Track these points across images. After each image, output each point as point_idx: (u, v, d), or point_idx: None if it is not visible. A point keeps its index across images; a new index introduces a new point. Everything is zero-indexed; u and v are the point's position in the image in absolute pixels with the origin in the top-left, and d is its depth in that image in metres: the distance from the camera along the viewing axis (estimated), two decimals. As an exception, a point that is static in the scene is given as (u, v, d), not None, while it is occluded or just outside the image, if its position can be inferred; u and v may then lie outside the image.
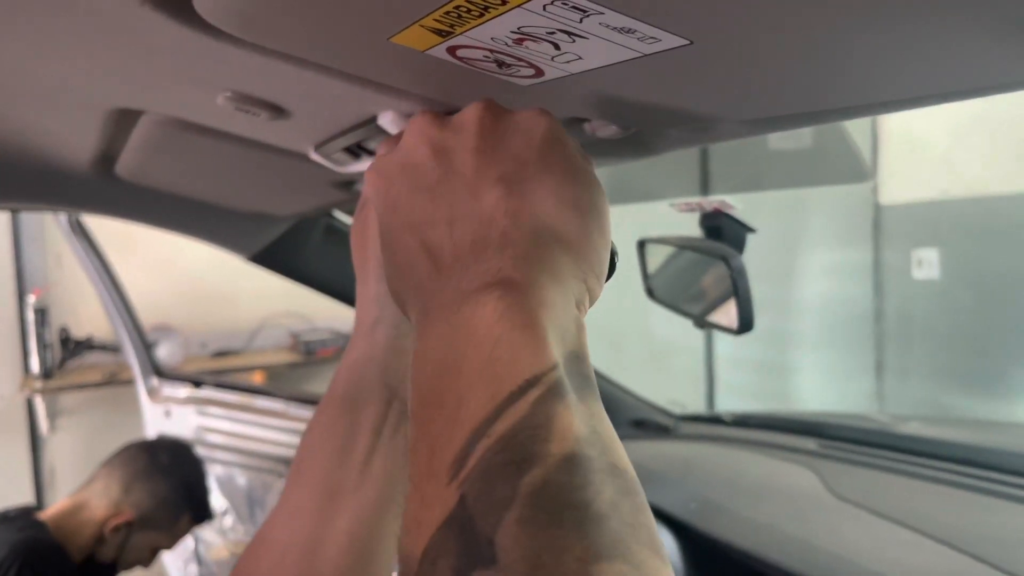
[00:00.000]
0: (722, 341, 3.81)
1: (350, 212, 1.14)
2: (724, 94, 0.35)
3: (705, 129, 0.42)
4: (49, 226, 2.65)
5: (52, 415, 2.65)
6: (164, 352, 2.10)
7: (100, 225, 1.82)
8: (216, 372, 2.56)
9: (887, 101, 0.34)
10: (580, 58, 0.31)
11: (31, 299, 2.56)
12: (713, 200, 0.63)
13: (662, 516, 0.97)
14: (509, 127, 0.34)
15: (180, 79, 0.52)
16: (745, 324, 0.62)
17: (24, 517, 1.37)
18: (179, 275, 2.77)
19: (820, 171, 3.25)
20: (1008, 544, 0.81)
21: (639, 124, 0.43)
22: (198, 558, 2.01)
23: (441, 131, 0.36)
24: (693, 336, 3.79)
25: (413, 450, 0.29)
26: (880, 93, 0.33)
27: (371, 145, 0.57)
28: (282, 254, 1.14)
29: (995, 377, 3.20)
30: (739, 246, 0.66)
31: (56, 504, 1.44)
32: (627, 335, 3.64)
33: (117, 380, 2.48)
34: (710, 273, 0.70)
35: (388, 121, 0.50)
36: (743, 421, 1.42)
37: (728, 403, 3.81)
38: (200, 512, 1.57)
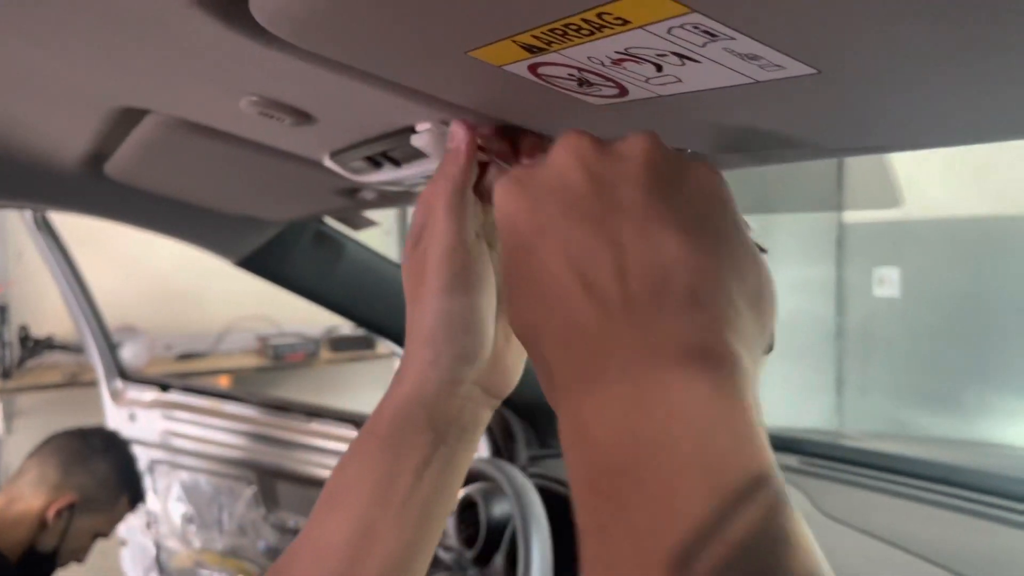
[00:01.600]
0: (688, 354, 3.83)
1: (341, 219, 1.13)
2: (824, 122, 0.35)
3: (767, 155, 0.42)
4: (9, 222, 2.57)
5: (9, 416, 2.57)
6: (128, 353, 2.04)
7: (65, 222, 1.77)
8: (181, 375, 2.50)
9: (986, 135, 0.35)
10: (679, 80, 0.30)
11: (-9, 296, 2.49)
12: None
13: (655, 533, 0.97)
14: (681, 170, 0.31)
15: (206, 81, 0.51)
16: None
17: None
18: (145, 275, 2.71)
19: (851, 196, 3.29)
20: (999, 565, 0.83)
21: (700, 146, 0.42)
22: (160, 566, 1.96)
23: (601, 158, 0.31)
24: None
25: (598, 521, 0.27)
26: (990, 129, 0.33)
27: (396, 155, 0.56)
28: (269, 259, 1.12)
29: (952, 395, 3.29)
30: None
31: None
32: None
33: (78, 381, 2.42)
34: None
35: (427, 131, 0.49)
36: (720, 436, 1.43)
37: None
38: (136, 495, 1.58)
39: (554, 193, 0.32)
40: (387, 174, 0.62)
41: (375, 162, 0.60)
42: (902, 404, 3.54)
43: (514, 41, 0.30)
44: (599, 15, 0.26)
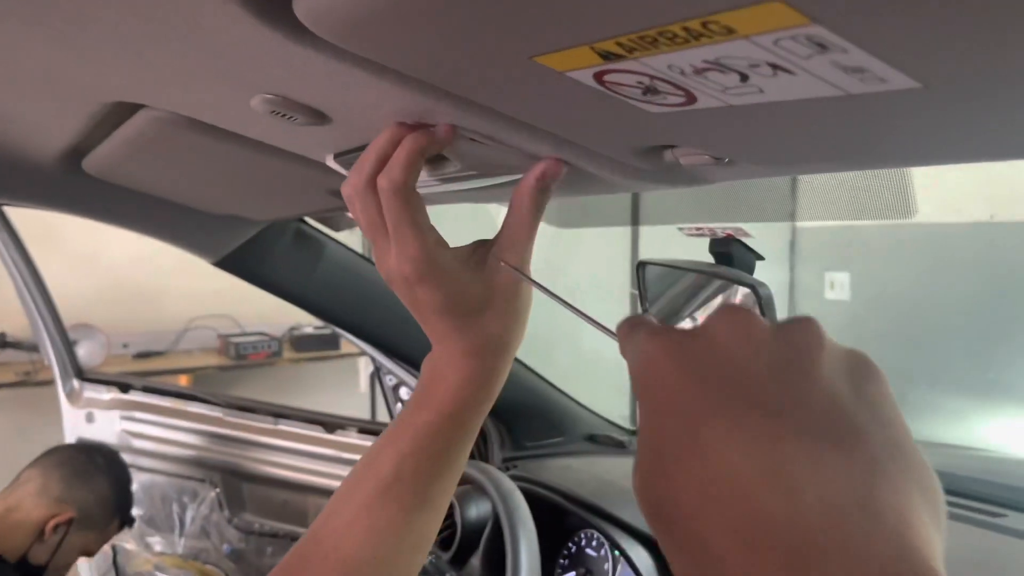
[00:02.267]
0: (646, 354, 3.87)
1: (322, 220, 1.11)
2: (904, 136, 0.35)
3: (819, 166, 0.42)
4: (-41, 214, 2.47)
5: (-41, 415, 2.48)
6: (84, 352, 1.98)
7: (20, 216, 1.71)
8: (139, 374, 2.44)
9: None
10: (760, 92, 0.30)
11: (-62, 291, 2.39)
12: (727, 226, 0.64)
13: (640, 536, 0.98)
14: (866, 368, 0.29)
15: (220, 77, 0.50)
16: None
17: None
18: (102, 272, 2.64)
19: (865, 205, 3.33)
20: (973, 565, 0.85)
21: (751, 156, 0.43)
22: (116, 569, 1.91)
23: (776, 343, 0.29)
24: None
25: None
26: None
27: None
28: (249, 259, 1.10)
29: (899, 396, 3.38)
30: (749, 273, 0.67)
31: None
32: (558, 346, 3.67)
33: (33, 380, 2.34)
34: (721, 300, 0.71)
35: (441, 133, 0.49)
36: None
37: (650, 415, 3.89)
38: (127, 517, 1.56)
39: (726, 373, 0.28)
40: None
41: (384, 163, 0.60)
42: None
43: (592, 48, 0.29)
44: (704, 24, 0.25)
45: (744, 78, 0.29)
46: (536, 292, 0.52)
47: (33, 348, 2.31)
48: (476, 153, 0.51)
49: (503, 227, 0.50)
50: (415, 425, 0.51)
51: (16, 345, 2.45)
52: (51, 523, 1.37)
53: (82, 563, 1.95)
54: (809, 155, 0.42)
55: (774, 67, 0.27)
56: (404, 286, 0.48)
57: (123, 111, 0.68)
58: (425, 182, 0.61)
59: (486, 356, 0.50)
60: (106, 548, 1.88)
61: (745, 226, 0.66)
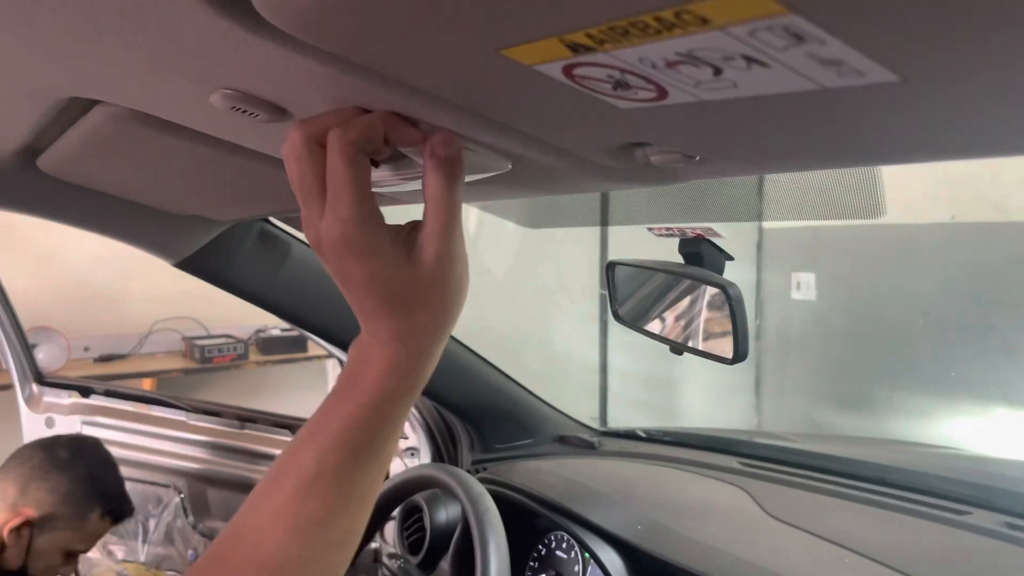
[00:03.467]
0: (616, 354, 3.90)
1: (288, 219, 1.10)
2: (881, 131, 0.35)
3: (791, 163, 0.42)
4: (-90, 214, 2.40)
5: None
6: (44, 356, 1.94)
7: (-24, 215, 1.67)
8: (101, 378, 2.39)
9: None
10: (734, 86, 0.29)
11: None
12: (696, 226, 0.63)
13: (610, 538, 0.97)
14: None
15: (178, 71, 0.48)
16: (741, 354, 0.63)
17: None
18: (60, 273, 2.58)
19: (833, 206, 3.35)
20: (939, 563, 0.86)
21: (723, 151, 0.42)
22: (78, 578, 1.87)
23: None
24: (588, 348, 3.87)
25: None
26: None
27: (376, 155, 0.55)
28: (211, 260, 1.08)
29: (861, 396, 3.43)
30: (719, 273, 0.67)
31: None
32: (527, 347, 3.67)
33: (-11, 385, 2.28)
34: (690, 300, 0.71)
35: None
36: (658, 438, 1.46)
37: (620, 415, 3.91)
38: (114, 507, 1.46)
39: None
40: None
41: (352, 162, 0.58)
42: (817, 404, 3.68)
43: (561, 40, 0.28)
44: (677, 14, 0.24)
45: (718, 72, 0.28)
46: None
47: (-10, 352, 2.25)
48: None
49: (425, 213, 0.48)
50: (337, 417, 0.48)
51: (-29, 349, 2.39)
52: (6, 529, 1.31)
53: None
54: (782, 153, 0.41)
55: (748, 60, 0.26)
56: (333, 254, 0.46)
57: (78, 107, 0.66)
58: (388, 181, 0.60)
59: (413, 342, 0.48)
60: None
61: (715, 226, 0.66)
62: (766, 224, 3.72)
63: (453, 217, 0.47)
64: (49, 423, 1.79)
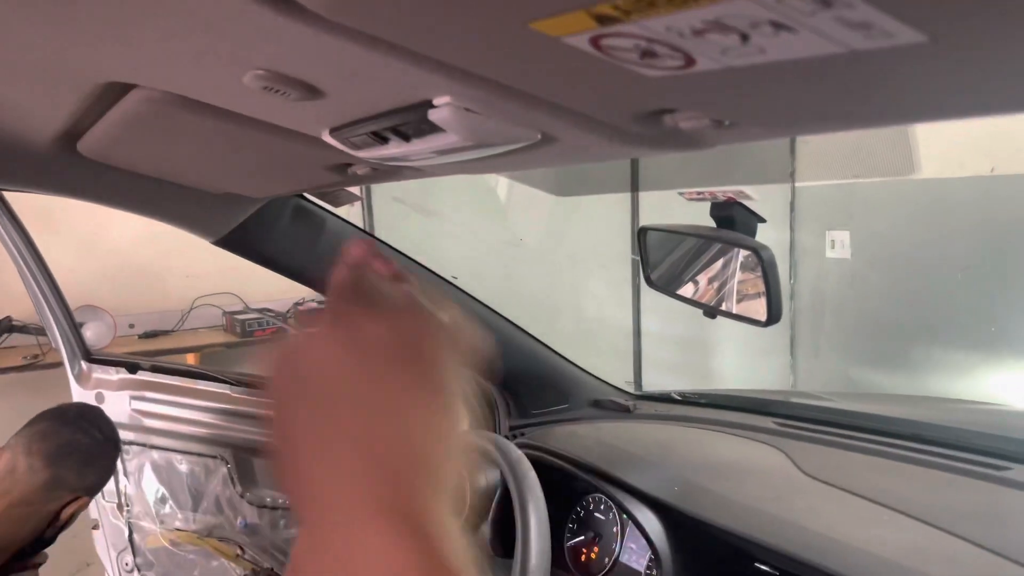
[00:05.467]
0: (649, 318, 3.89)
1: (322, 195, 1.11)
2: (910, 91, 0.35)
3: (818, 125, 0.42)
4: (-43, 200, 2.47)
5: (-33, 401, 2.49)
6: (91, 334, 1.99)
7: (19, 200, 1.71)
8: (147, 354, 2.45)
9: None
10: (762, 51, 0.30)
11: (-58, 278, 2.39)
12: (728, 189, 0.63)
13: (647, 499, 0.99)
14: None
15: (212, 54, 0.50)
16: (775, 316, 0.64)
17: None
18: (105, 253, 2.64)
19: (867, 164, 3.29)
20: (979, 519, 0.86)
21: (744, 119, 0.42)
22: (133, 547, 1.93)
23: None
24: (621, 313, 3.87)
25: None
26: None
27: (407, 129, 0.55)
28: (249, 237, 1.10)
29: (899, 353, 3.39)
30: (751, 236, 0.67)
31: None
32: (561, 313, 3.68)
33: (40, 363, 2.35)
34: (723, 263, 0.71)
35: (446, 105, 0.48)
36: (693, 400, 1.46)
37: (654, 378, 3.91)
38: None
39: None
40: (392, 149, 0.61)
41: (381, 137, 0.59)
42: (853, 362, 3.65)
43: (588, 11, 0.28)
44: None
45: (745, 38, 0.28)
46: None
47: (40, 331, 2.31)
48: (471, 124, 0.50)
49: None
50: None
51: (22, 329, 2.46)
52: (67, 512, 1.36)
53: (99, 542, 1.98)
54: (811, 115, 0.41)
55: (776, 25, 0.27)
56: None
57: (116, 91, 0.68)
58: (422, 155, 0.60)
59: None
60: (121, 527, 1.91)
61: (746, 188, 0.66)
62: (799, 183, 3.67)
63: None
64: (99, 399, 1.85)
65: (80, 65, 0.62)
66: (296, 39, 0.42)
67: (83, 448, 1.41)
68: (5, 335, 2.47)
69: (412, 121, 0.53)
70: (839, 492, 0.95)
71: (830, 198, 3.60)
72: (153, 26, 0.47)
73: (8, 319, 2.48)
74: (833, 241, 3.62)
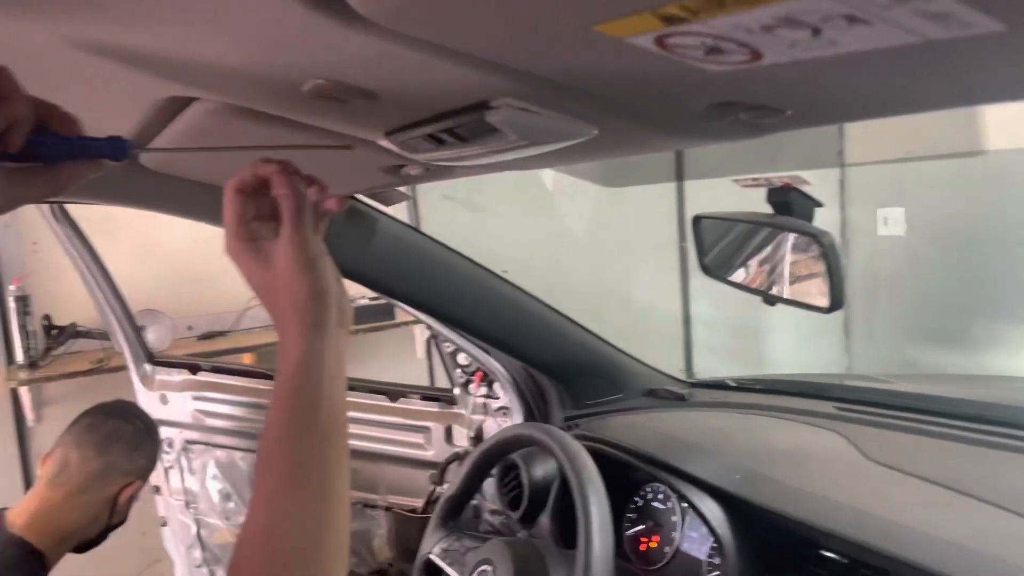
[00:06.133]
0: (698, 304, 3.86)
1: (373, 195, 1.13)
2: (982, 77, 0.34)
3: (865, 110, 0.41)
4: (23, 212, 2.55)
5: (38, 405, 2.59)
6: (153, 337, 2.05)
7: (78, 209, 1.76)
8: (205, 355, 2.52)
9: None
10: (833, 44, 0.29)
11: (11, 288, 2.48)
12: (783, 175, 0.63)
13: (707, 488, 0.98)
14: None
15: (271, 65, 0.51)
16: (837, 302, 0.63)
17: (12, 550, 1.35)
18: (162, 258, 2.72)
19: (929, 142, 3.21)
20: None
21: (806, 108, 0.42)
22: (201, 543, 1.99)
23: None
24: (671, 301, 3.84)
25: None
26: None
27: (463, 131, 0.56)
28: (304, 239, 1.11)
29: (958, 331, 3.31)
30: (808, 221, 0.66)
31: (31, 502, 1.42)
32: (608, 303, 3.67)
33: (106, 367, 2.43)
34: (780, 249, 0.71)
35: (504, 106, 0.49)
36: (748, 386, 1.45)
37: (706, 364, 3.88)
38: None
39: None
40: (448, 151, 0.62)
41: (437, 139, 0.60)
42: (911, 342, 3.57)
43: (655, 13, 0.29)
44: None
45: (816, 32, 0.28)
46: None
47: (104, 336, 2.39)
48: (527, 122, 0.51)
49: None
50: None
51: (87, 334, 2.54)
52: (125, 495, 1.47)
53: (167, 537, 2.04)
54: (877, 101, 0.41)
55: (850, 19, 0.26)
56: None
57: (177, 104, 0.70)
58: (477, 155, 0.61)
59: (286, 330, 0.64)
60: (189, 523, 1.97)
61: (803, 173, 0.65)
62: (848, 161, 3.59)
63: (298, 234, 0.63)
64: (163, 400, 1.91)
65: (143, 81, 0.63)
66: (355, 48, 0.43)
67: (128, 435, 1.52)
68: (71, 340, 2.56)
69: (468, 122, 0.54)
70: (904, 476, 0.94)
71: (881, 175, 3.52)
72: (214, 41, 0.48)
73: (73, 325, 2.57)
74: (886, 218, 3.53)
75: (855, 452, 1.03)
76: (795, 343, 3.89)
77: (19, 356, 2.51)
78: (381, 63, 0.46)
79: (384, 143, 0.66)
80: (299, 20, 0.40)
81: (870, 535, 0.81)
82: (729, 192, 3.16)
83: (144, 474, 1.53)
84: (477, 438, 1.55)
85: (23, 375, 2.49)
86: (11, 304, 2.49)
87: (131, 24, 0.48)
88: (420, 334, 3.06)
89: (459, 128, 0.56)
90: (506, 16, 0.33)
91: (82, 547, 1.47)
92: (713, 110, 0.44)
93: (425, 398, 1.68)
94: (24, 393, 2.55)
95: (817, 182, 3.58)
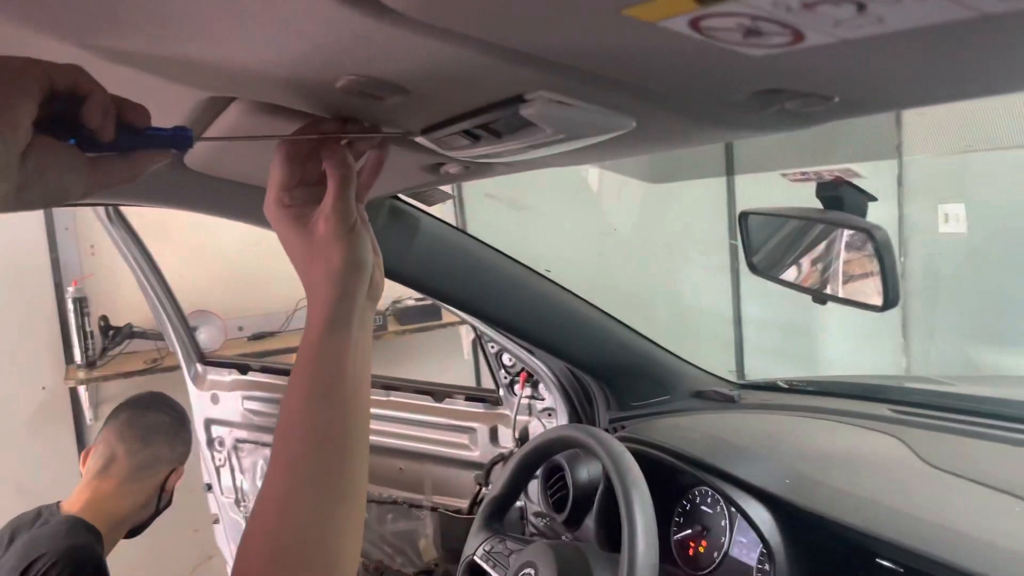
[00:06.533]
0: (749, 304, 3.79)
1: (415, 195, 1.12)
2: None
3: (920, 96, 0.39)
4: (81, 216, 2.64)
5: (96, 404, 2.67)
6: (204, 337, 2.10)
7: (133, 213, 1.80)
8: (255, 355, 2.56)
9: None
10: (881, 20, 0.27)
11: (70, 289, 2.56)
12: (834, 168, 0.60)
13: (756, 492, 0.96)
14: None
15: (306, 63, 0.50)
16: (891, 300, 0.60)
17: (72, 522, 1.45)
18: (213, 260, 2.78)
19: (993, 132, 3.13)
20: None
21: (855, 94, 0.40)
22: (251, 540, 2.02)
23: None
24: (721, 300, 3.78)
25: None
26: None
27: (499, 126, 0.55)
28: (347, 239, 1.12)
29: (1022, 332, 3.18)
30: (861, 216, 0.64)
31: (83, 493, 1.52)
32: (656, 302, 3.63)
33: (159, 367, 2.49)
34: (831, 246, 0.68)
35: (538, 99, 0.47)
36: (800, 388, 1.41)
37: (758, 366, 3.81)
38: None
39: None
40: (484, 147, 0.61)
41: (473, 136, 0.59)
42: (973, 343, 3.45)
43: None
44: None
45: (861, 8, 0.26)
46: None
47: (158, 336, 2.45)
48: (564, 116, 0.50)
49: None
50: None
51: (142, 335, 2.62)
52: (173, 480, 1.60)
53: (219, 535, 2.08)
54: (933, 85, 0.38)
55: None
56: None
57: (217, 105, 0.70)
58: (514, 150, 0.60)
59: (316, 291, 0.63)
60: (240, 521, 2.00)
61: (854, 166, 0.62)
62: (907, 155, 3.49)
63: (341, 202, 0.63)
64: (214, 399, 1.94)
65: (183, 82, 0.64)
66: (384, 42, 0.42)
67: (166, 426, 1.63)
68: (127, 341, 2.63)
69: (503, 118, 0.53)
70: (964, 482, 0.90)
71: (941, 170, 3.41)
72: (248, 40, 0.48)
73: (129, 326, 2.64)
74: (947, 215, 3.42)
75: (912, 456, 0.99)
76: (851, 344, 3.79)
77: (77, 356, 2.60)
78: (411, 57, 0.45)
79: (421, 141, 0.66)
80: (328, 15, 0.39)
81: (929, 544, 0.77)
82: (781, 187, 3.09)
83: (184, 459, 1.64)
84: (522, 439, 1.54)
85: (82, 374, 2.58)
86: (70, 305, 2.57)
87: (164, 25, 0.48)
88: (466, 334, 3.07)
89: (494, 123, 0.55)
90: (532, 3, 0.32)
91: (134, 531, 1.58)
92: (756, 99, 0.42)
93: (470, 398, 1.67)
94: (82, 392, 2.63)
95: (873, 177, 3.49)
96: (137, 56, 0.56)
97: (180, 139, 0.57)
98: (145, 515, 1.57)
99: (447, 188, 1.12)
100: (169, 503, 1.63)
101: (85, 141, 0.51)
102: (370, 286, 0.64)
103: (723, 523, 1.05)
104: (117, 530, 1.50)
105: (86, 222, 2.63)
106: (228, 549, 2.07)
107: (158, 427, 1.60)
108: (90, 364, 2.58)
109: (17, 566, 1.33)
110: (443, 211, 3.15)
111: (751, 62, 0.35)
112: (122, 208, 1.80)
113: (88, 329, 2.57)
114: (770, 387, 1.44)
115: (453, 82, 0.49)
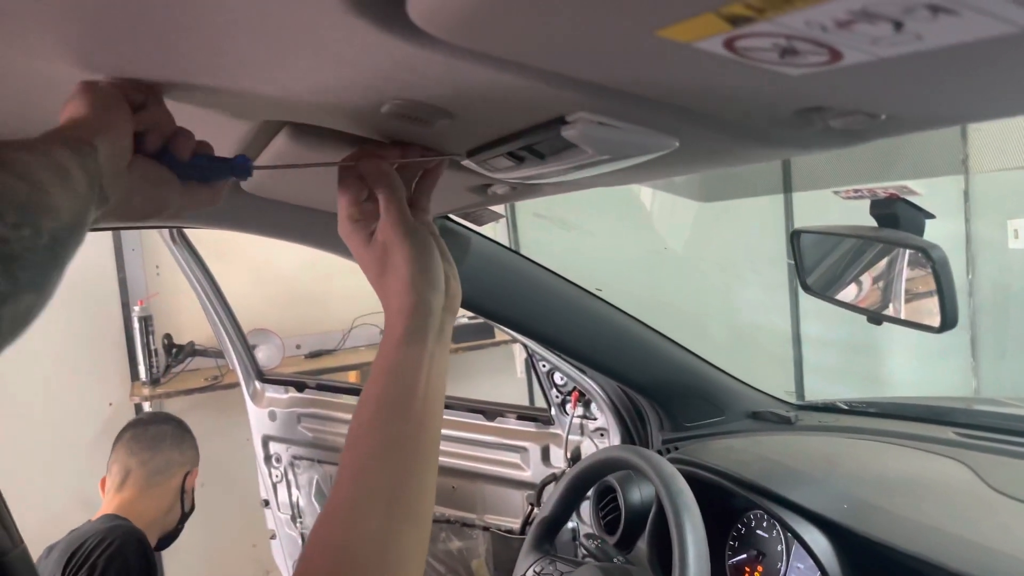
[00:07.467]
0: (809, 323, 3.70)
1: (464, 215, 1.13)
2: None
3: (970, 112, 0.38)
4: (147, 237, 2.74)
5: (159, 420, 2.75)
6: (263, 355, 2.14)
7: (196, 234, 1.86)
8: (312, 373, 2.60)
9: None
10: (919, 38, 0.27)
11: (136, 309, 2.65)
12: (889, 185, 0.59)
13: (813, 517, 0.93)
14: None
15: (350, 87, 0.52)
16: (949, 321, 0.58)
17: (109, 516, 1.61)
18: (272, 279, 2.84)
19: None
20: None
21: (901, 111, 0.39)
22: (307, 556, 2.04)
23: None
24: (779, 319, 3.71)
25: None
26: None
27: (542, 148, 0.55)
28: (399, 259, 1.13)
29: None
30: (918, 234, 0.62)
31: (108, 508, 1.65)
32: (711, 321, 3.57)
33: (220, 384, 2.56)
34: (887, 265, 0.66)
35: (579, 121, 0.48)
36: (861, 409, 1.37)
37: (818, 386, 3.71)
38: None
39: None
40: (528, 169, 0.61)
41: (517, 157, 0.60)
42: (1047, 363, 3.31)
43: (718, 13, 0.27)
44: None
45: (898, 26, 0.26)
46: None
47: (218, 354, 2.52)
48: (606, 137, 0.50)
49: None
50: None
51: (203, 352, 2.69)
52: (190, 480, 1.75)
53: (276, 551, 2.11)
54: (977, 102, 0.37)
55: (934, 9, 0.24)
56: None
57: (270, 129, 0.72)
58: (558, 171, 0.60)
59: (393, 299, 0.63)
60: (296, 537, 2.03)
61: (911, 183, 0.61)
62: (974, 169, 3.37)
63: (392, 205, 0.64)
64: (272, 416, 1.97)
65: (239, 109, 0.66)
66: (423, 67, 0.43)
67: (169, 433, 1.77)
68: (189, 359, 2.71)
69: (545, 139, 0.53)
70: (1034, 510, 0.86)
71: (1011, 184, 3.29)
72: (293, 67, 0.49)
73: (191, 344, 2.72)
74: (1016, 231, 3.30)
75: (979, 482, 0.95)
76: (916, 364, 3.67)
77: (143, 373, 2.68)
78: (450, 81, 0.46)
79: (469, 163, 0.67)
80: (367, 41, 0.40)
81: (993, 573, 0.74)
82: (839, 204, 3.02)
83: (195, 461, 1.78)
84: (574, 459, 1.53)
85: (146, 391, 2.66)
86: (136, 324, 2.66)
87: (214, 57, 0.50)
88: (519, 353, 3.07)
89: (537, 145, 0.55)
90: (565, 27, 0.32)
91: (164, 541, 1.70)
92: (800, 117, 0.42)
93: (522, 417, 1.67)
94: (147, 407, 2.71)
95: (938, 193, 3.38)
96: (197, 90, 0.58)
97: (239, 168, 0.61)
98: (172, 520, 1.68)
99: (498, 208, 1.13)
100: (193, 506, 1.74)
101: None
102: (447, 297, 0.64)
103: (779, 548, 1.03)
104: (147, 533, 1.59)
105: (152, 243, 2.72)
106: (285, 564, 2.09)
107: (162, 435, 1.74)
108: (154, 381, 2.66)
109: (65, 550, 1.45)
110: (496, 231, 3.17)
111: (791, 81, 0.34)
112: (185, 230, 1.86)
113: (153, 347, 2.65)
114: (829, 408, 1.40)
115: (493, 105, 0.50)
